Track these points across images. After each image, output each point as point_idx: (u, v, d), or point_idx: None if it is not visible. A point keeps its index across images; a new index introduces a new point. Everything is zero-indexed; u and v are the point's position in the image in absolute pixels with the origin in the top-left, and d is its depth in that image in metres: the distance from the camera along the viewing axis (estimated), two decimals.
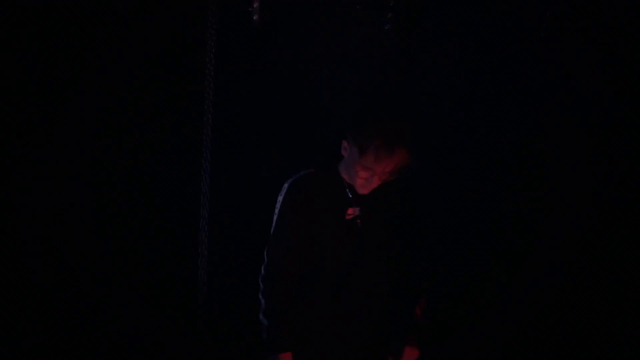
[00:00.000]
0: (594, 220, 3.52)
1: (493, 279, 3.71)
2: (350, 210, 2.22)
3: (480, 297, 3.71)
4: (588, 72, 3.51)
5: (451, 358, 3.62)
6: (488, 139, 3.73)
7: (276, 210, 2.31)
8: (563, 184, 3.59)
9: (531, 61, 3.62)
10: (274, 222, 2.33)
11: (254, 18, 3.94)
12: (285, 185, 2.29)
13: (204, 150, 3.44)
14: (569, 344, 3.59)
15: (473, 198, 3.76)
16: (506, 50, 3.68)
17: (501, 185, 3.72)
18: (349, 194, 2.24)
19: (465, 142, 3.80)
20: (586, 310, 3.57)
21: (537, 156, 3.65)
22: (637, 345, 3.48)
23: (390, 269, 2.29)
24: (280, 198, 2.29)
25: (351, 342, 2.32)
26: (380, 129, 2.06)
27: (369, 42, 3.87)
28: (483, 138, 3.75)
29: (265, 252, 2.34)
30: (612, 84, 3.47)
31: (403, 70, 3.85)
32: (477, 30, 3.74)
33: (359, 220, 2.23)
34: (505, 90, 3.70)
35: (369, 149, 2.05)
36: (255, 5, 3.86)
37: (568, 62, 3.54)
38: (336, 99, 3.87)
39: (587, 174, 3.53)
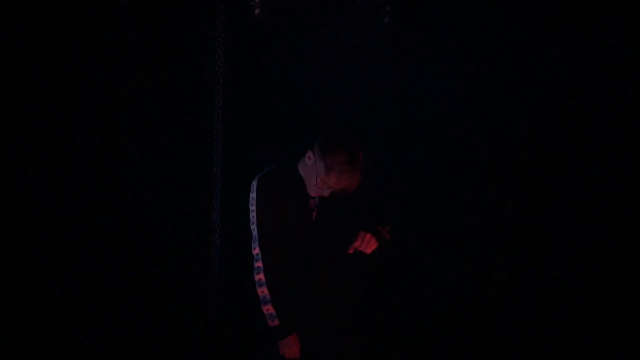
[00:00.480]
0: (594, 220, 3.58)
1: (493, 278, 3.77)
2: (312, 203, 2.59)
3: (480, 297, 3.77)
4: (585, 66, 3.59)
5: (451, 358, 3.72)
6: (488, 137, 3.80)
7: (252, 207, 2.61)
8: (563, 183, 3.66)
9: (532, 57, 3.70)
10: (253, 219, 2.61)
11: (255, 12, 4.01)
12: (254, 182, 2.61)
13: (215, 144, 3.53)
14: (569, 343, 3.65)
15: (471, 197, 3.82)
16: (507, 46, 3.75)
17: (499, 185, 3.79)
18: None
19: (464, 139, 3.86)
20: (586, 310, 3.61)
21: (536, 154, 3.72)
22: (637, 345, 3.53)
23: (339, 255, 2.60)
24: (253, 195, 2.61)
25: (322, 320, 2.65)
26: (346, 156, 2.43)
27: (368, 38, 3.94)
28: (483, 136, 3.82)
29: (257, 248, 2.60)
30: (611, 83, 3.54)
31: (401, 66, 3.92)
32: (477, 26, 3.80)
33: (314, 213, 2.59)
34: (506, 87, 3.77)
35: (334, 170, 2.43)
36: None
37: (567, 57, 3.61)
38: (333, 96, 3.94)
39: (586, 173, 3.60)
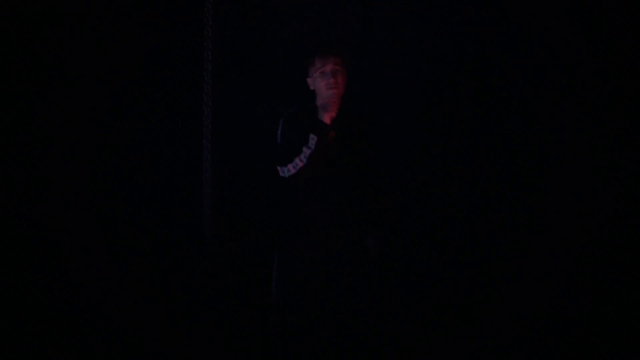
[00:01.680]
0: (593, 220, 3.66)
1: (493, 278, 3.87)
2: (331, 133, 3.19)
3: (480, 297, 3.86)
4: (580, 62, 3.73)
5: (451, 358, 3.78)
6: (459, 115, 4.00)
7: (278, 141, 3.24)
8: (563, 183, 3.76)
9: (506, 31, 3.91)
10: (278, 146, 3.24)
11: None
12: (281, 121, 3.26)
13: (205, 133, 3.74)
14: (568, 344, 3.68)
15: (470, 197, 3.97)
16: (474, 18, 3.96)
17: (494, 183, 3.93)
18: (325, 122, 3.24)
19: (433, 118, 4.05)
20: (585, 310, 3.65)
21: (532, 150, 3.86)
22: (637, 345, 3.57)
23: (349, 175, 3.24)
24: (279, 130, 3.25)
25: (331, 228, 3.21)
26: (316, 50, 3.24)
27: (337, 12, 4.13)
28: (454, 115, 4.01)
29: (279, 166, 3.20)
30: (610, 81, 3.67)
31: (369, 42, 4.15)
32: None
33: (330, 140, 3.18)
34: (478, 65, 3.97)
35: (314, 58, 3.20)
36: None
37: (544, 34, 3.79)
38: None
39: (586, 173, 3.70)
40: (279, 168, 3.20)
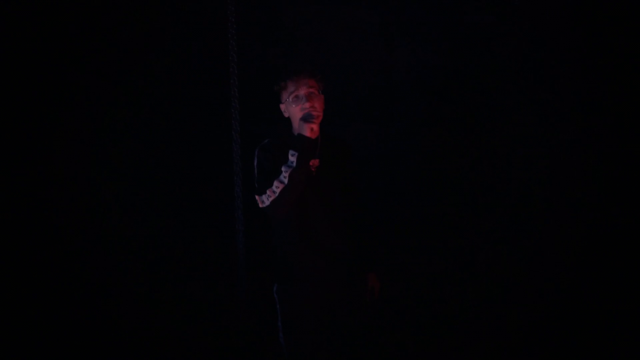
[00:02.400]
0: (592, 220, 3.70)
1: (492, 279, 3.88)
2: (312, 162, 2.86)
3: (479, 297, 3.88)
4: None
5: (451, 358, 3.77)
6: (476, 113, 3.98)
7: (255, 172, 2.89)
8: (562, 183, 3.79)
9: (519, 32, 3.88)
10: (255, 176, 2.89)
11: None
12: (256, 151, 2.91)
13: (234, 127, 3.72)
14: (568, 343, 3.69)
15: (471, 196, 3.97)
16: (490, 18, 3.94)
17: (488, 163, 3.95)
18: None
19: (451, 115, 4.04)
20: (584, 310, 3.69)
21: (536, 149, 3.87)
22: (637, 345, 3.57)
23: (337, 208, 2.93)
24: (255, 161, 2.89)
25: (324, 265, 2.89)
26: (287, 73, 2.89)
27: (356, 15, 4.11)
28: (469, 112, 3.99)
29: (259, 195, 2.85)
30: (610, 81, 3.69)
31: (388, 43, 4.10)
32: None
33: (313, 169, 2.86)
34: (493, 63, 3.94)
35: (286, 82, 2.85)
36: None
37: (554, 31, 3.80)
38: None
39: (585, 172, 3.73)
40: (257, 198, 2.84)
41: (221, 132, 3.82)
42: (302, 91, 2.81)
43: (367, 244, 3.00)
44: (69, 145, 3.79)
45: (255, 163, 2.89)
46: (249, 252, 3.67)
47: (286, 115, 2.92)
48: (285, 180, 2.73)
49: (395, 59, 4.10)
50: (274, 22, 4.08)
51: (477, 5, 3.96)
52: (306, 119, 2.77)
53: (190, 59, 3.94)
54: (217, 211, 3.89)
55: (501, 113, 3.94)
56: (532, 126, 3.85)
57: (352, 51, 4.05)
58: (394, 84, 4.10)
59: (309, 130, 2.77)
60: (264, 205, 2.79)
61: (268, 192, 2.77)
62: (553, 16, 3.78)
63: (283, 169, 2.75)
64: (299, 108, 2.82)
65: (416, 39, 4.05)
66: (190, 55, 3.94)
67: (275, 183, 2.75)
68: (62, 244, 3.72)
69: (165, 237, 3.92)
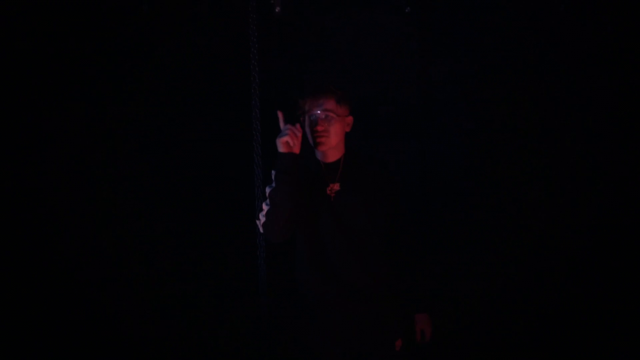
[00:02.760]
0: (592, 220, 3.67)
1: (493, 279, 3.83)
2: (331, 186, 2.68)
3: (479, 297, 3.83)
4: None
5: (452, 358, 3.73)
6: (513, 125, 3.84)
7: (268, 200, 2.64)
8: (562, 182, 3.74)
9: (558, 43, 3.74)
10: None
11: (276, 10, 4.00)
12: (272, 172, 2.64)
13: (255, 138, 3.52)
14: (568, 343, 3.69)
15: (496, 187, 3.88)
16: (529, 29, 3.78)
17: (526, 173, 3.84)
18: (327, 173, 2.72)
19: (489, 128, 3.90)
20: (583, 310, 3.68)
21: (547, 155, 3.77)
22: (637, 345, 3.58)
23: (362, 238, 2.66)
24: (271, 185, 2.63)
25: (343, 302, 2.65)
26: (305, 90, 2.73)
27: (390, 28, 3.96)
28: (507, 124, 3.85)
29: (256, 219, 2.67)
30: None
31: (425, 55, 3.94)
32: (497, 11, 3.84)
33: (332, 195, 2.66)
34: (529, 73, 3.80)
35: (304, 100, 2.68)
36: None
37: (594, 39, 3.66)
38: (358, 88, 3.97)
39: (585, 172, 3.69)
40: (256, 222, 2.67)
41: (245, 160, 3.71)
42: (314, 112, 2.64)
43: (415, 280, 2.74)
44: (87, 152, 3.83)
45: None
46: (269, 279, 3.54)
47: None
48: (267, 204, 2.57)
49: (432, 71, 3.93)
50: (306, 32, 3.95)
51: (517, 16, 3.79)
52: (281, 134, 2.55)
53: (214, 63, 3.89)
54: (239, 240, 3.82)
55: (543, 127, 3.77)
56: (579, 142, 3.70)
57: (388, 63, 3.91)
58: (431, 98, 3.94)
59: (284, 145, 2.55)
60: (262, 232, 2.63)
61: (260, 215, 2.61)
62: (602, 23, 3.63)
63: (266, 189, 2.58)
64: (309, 130, 2.67)
65: (454, 53, 3.90)
66: (214, 60, 3.89)
67: (263, 205, 2.60)
68: (75, 247, 3.75)
69: (185, 247, 3.91)
